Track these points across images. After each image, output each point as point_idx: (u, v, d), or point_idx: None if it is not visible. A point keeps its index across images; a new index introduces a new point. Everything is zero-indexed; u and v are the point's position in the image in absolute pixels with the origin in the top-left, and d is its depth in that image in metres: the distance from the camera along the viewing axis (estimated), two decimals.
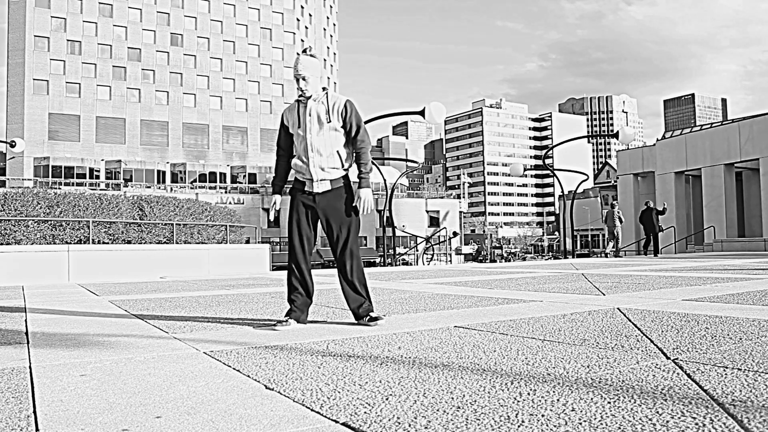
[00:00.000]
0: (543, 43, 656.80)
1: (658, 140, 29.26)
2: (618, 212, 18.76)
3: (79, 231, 11.46)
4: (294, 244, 3.63)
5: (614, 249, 19.13)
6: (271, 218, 3.74)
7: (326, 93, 3.59)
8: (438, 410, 1.79)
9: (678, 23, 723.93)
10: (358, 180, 3.64)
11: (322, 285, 7.11)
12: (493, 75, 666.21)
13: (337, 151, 3.58)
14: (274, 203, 3.73)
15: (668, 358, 2.50)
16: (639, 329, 3.28)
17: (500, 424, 1.64)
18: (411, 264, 41.92)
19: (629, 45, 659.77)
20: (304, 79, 3.49)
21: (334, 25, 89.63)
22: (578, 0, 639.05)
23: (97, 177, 63.10)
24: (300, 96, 3.59)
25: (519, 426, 1.62)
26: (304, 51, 3.56)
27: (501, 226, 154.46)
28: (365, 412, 1.79)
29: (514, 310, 4.32)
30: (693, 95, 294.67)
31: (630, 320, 3.65)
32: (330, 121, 3.53)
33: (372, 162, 3.84)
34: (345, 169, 3.62)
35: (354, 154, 3.64)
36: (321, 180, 3.56)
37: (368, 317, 3.65)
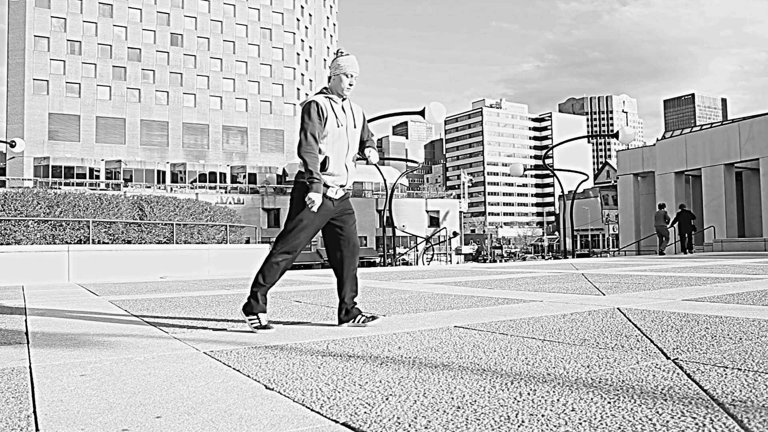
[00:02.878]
0: (539, 44, 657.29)
1: (658, 140, 29.23)
2: (666, 213, 19.33)
3: (79, 231, 11.45)
4: (299, 242, 3.50)
5: (663, 247, 19.61)
6: (315, 208, 3.39)
7: (348, 98, 3.67)
8: (438, 410, 1.79)
9: (674, 23, 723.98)
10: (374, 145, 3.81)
11: (322, 285, 7.11)
12: (490, 75, 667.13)
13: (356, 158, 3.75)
14: (318, 201, 3.40)
15: (668, 358, 2.50)
16: (639, 329, 3.28)
17: (500, 424, 1.64)
18: (411, 264, 41.91)
19: (626, 45, 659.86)
20: (356, 79, 3.57)
21: (334, 25, 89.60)
22: (573, 1, 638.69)
23: (97, 177, 63.07)
24: (339, 94, 3.57)
25: (519, 426, 1.62)
26: (339, 52, 3.60)
27: (501, 226, 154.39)
28: (365, 412, 1.79)
29: (514, 310, 4.32)
30: (693, 95, 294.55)
31: (630, 320, 3.65)
32: (356, 127, 3.65)
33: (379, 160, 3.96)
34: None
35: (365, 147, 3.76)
36: (348, 188, 3.64)
37: (363, 317, 3.61)
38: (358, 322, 3.60)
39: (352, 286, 3.64)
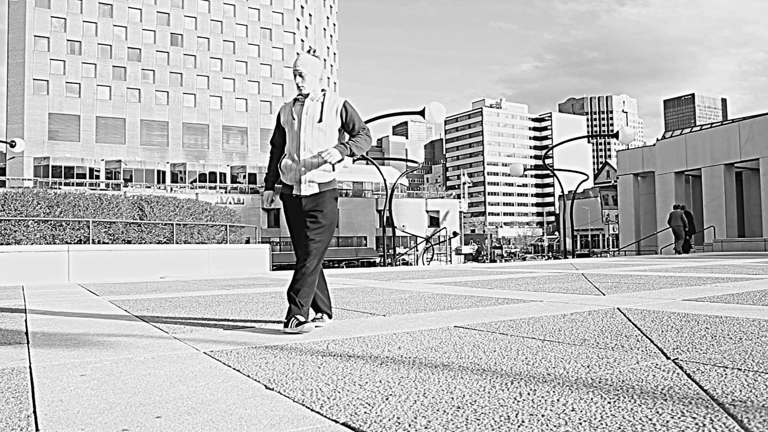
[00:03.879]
0: (537, 44, 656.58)
1: (658, 140, 29.22)
2: (682, 213, 19.31)
3: (79, 231, 11.45)
4: (295, 241, 3.63)
5: (677, 247, 19.51)
6: (266, 206, 3.75)
7: (324, 93, 3.59)
8: (438, 410, 1.79)
9: (673, 23, 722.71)
10: (340, 144, 3.49)
11: None
12: (489, 76, 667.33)
13: None
14: (268, 198, 3.75)
15: (668, 358, 2.50)
16: (639, 329, 3.28)
17: (500, 424, 1.64)
18: (411, 264, 41.91)
19: (625, 45, 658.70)
20: (301, 75, 3.51)
21: (334, 25, 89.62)
22: (571, 1, 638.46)
23: (97, 177, 63.08)
24: (298, 94, 3.61)
25: (519, 426, 1.62)
26: (308, 51, 3.62)
27: (501, 226, 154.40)
28: (365, 412, 1.79)
29: (514, 310, 4.32)
30: (693, 95, 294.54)
31: (630, 320, 3.65)
32: (321, 121, 3.49)
33: (370, 158, 3.84)
34: (333, 171, 3.54)
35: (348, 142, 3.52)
36: (310, 182, 3.48)
37: (296, 322, 3.33)
38: (290, 328, 3.35)
39: (304, 286, 3.37)
